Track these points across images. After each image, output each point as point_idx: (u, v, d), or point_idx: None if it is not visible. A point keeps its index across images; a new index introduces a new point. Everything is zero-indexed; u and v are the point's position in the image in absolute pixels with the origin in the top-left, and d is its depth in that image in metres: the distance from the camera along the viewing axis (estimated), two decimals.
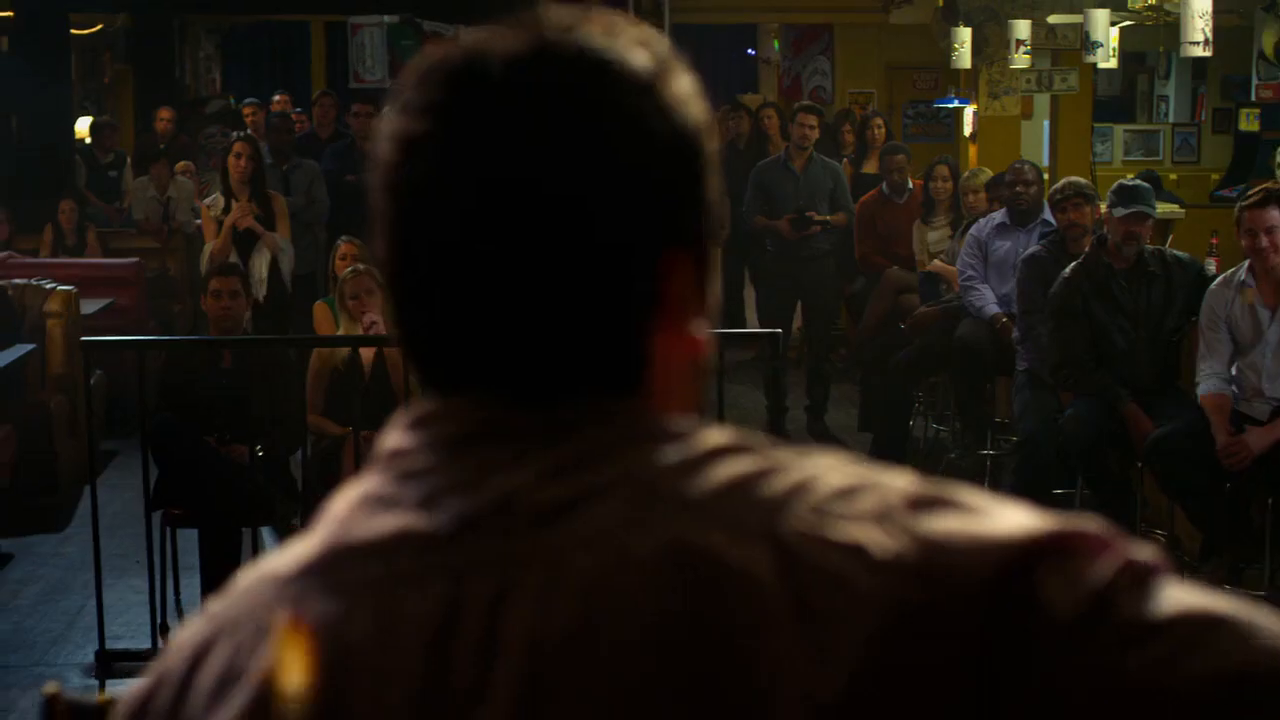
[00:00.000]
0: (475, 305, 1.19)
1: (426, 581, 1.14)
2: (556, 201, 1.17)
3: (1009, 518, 1.12)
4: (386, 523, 1.17)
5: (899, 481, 1.16)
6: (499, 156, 1.17)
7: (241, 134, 12.65)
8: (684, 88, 1.23)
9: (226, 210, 10.99)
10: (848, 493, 1.13)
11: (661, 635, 1.08)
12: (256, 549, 7.79)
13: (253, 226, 10.94)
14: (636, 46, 1.23)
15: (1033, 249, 9.38)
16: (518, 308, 1.18)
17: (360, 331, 8.32)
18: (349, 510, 1.20)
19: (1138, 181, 8.84)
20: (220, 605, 1.23)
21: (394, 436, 1.23)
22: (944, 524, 1.12)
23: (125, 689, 1.29)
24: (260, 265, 11.01)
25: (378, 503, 1.19)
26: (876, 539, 1.10)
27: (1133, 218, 8.28)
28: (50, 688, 1.45)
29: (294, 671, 1.13)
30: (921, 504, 1.13)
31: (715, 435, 1.19)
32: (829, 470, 1.16)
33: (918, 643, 1.07)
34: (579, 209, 1.17)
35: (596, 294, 1.19)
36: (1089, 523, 1.12)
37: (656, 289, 1.21)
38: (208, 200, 11.68)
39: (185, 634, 1.24)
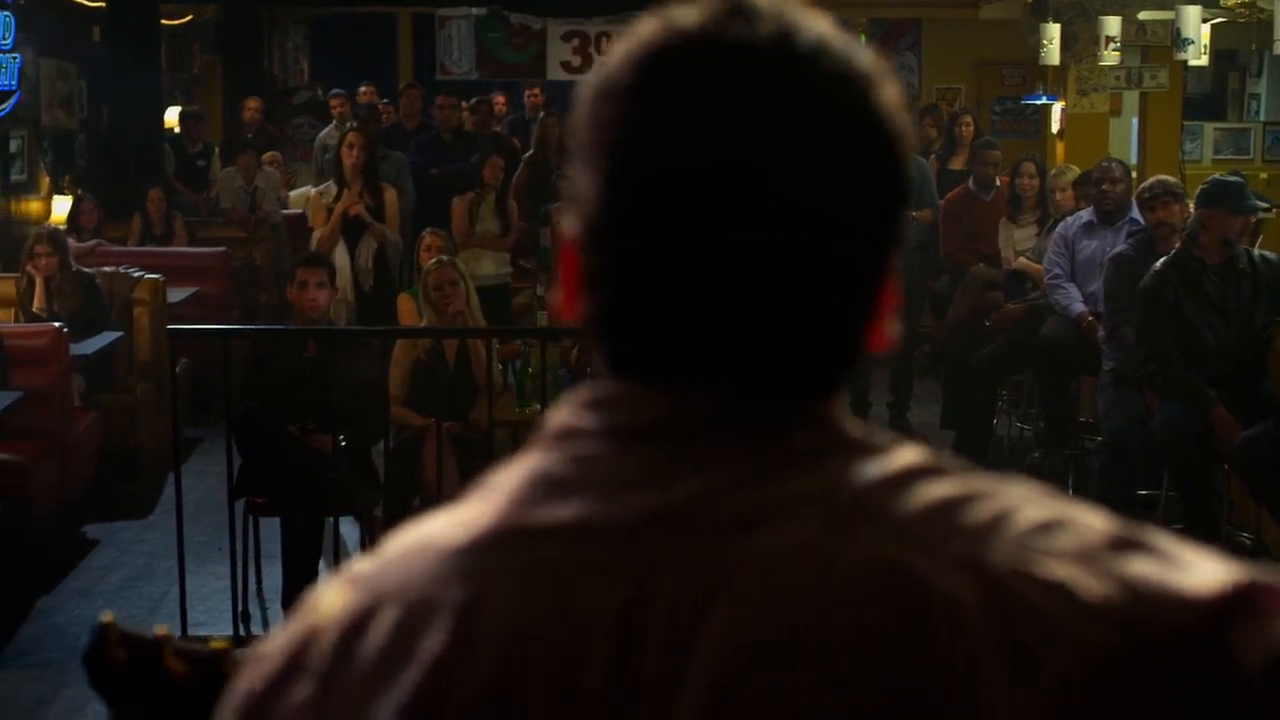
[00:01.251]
0: (705, 296, 1.16)
1: (612, 573, 1.12)
2: (808, 200, 1.15)
3: (1205, 568, 1.12)
4: (567, 508, 1.15)
5: (1095, 520, 1.15)
6: (748, 148, 1.14)
7: (354, 124, 12.71)
8: (896, 95, 1.22)
9: (338, 199, 11.05)
10: (1047, 527, 1.13)
11: (869, 654, 1.07)
12: (337, 539, 7.83)
13: (362, 215, 10.99)
14: (866, 54, 1.21)
15: (1120, 248, 9.29)
16: (753, 303, 1.16)
17: (444, 323, 8.34)
18: (521, 488, 1.18)
19: (1232, 178, 8.75)
20: (375, 571, 1.20)
21: (567, 415, 1.21)
22: (1144, 569, 1.11)
23: (257, 642, 1.28)
24: (366, 255, 11.06)
25: (554, 485, 1.17)
26: (1082, 580, 1.10)
27: (1226, 214, 8.20)
28: (106, 616, 1.44)
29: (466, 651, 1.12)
30: (1120, 546, 1.13)
31: (911, 453, 1.17)
32: (1025, 502, 1.15)
33: (1121, 688, 1.07)
34: (831, 209, 1.16)
35: (835, 296, 1.18)
36: (1276, 576, 1.13)
37: (879, 293, 1.21)
38: (320, 188, 11.74)
39: (330, 597, 1.21)
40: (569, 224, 1.24)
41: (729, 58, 1.16)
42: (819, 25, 1.19)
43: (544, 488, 1.17)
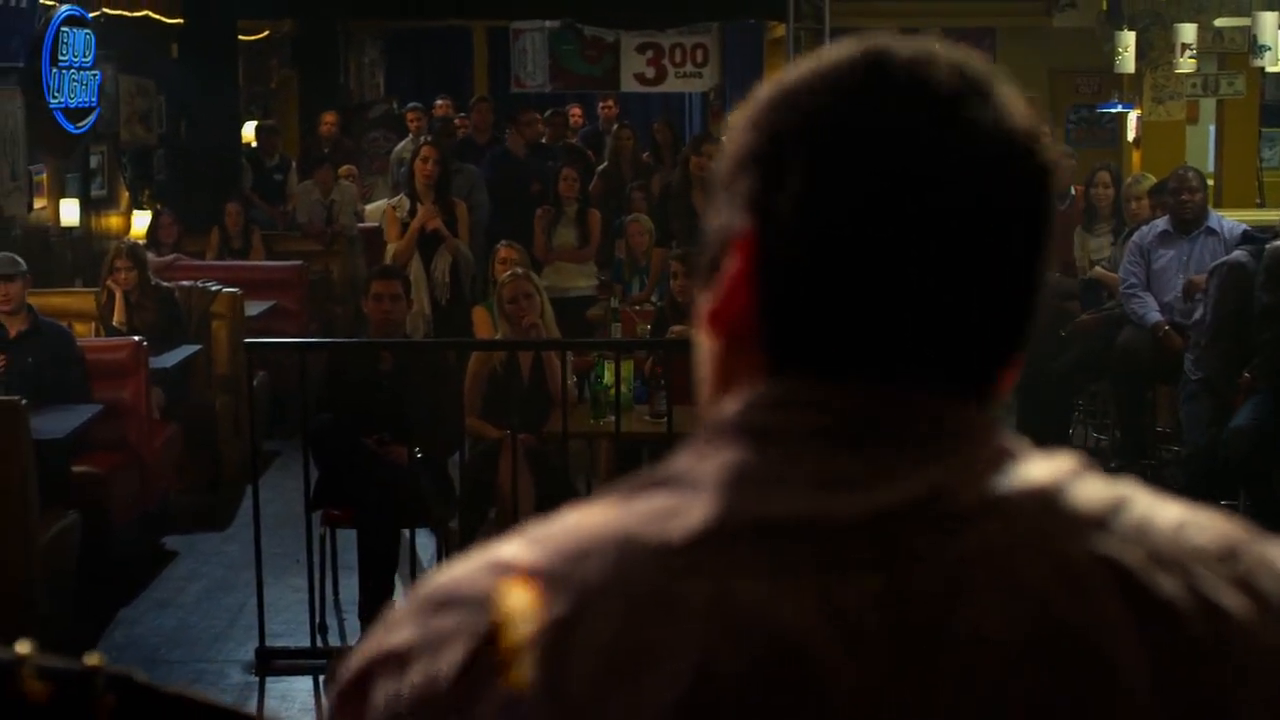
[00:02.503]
0: (891, 293, 1.21)
1: (855, 570, 1.14)
2: (1006, 220, 1.23)
3: None
4: (790, 503, 1.16)
5: (1212, 519, 1.24)
6: (936, 163, 1.21)
7: (428, 138, 12.79)
8: (1055, 147, 1.31)
9: (412, 213, 11.10)
10: (1188, 527, 1.21)
11: (1120, 648, 1.13)
12: (414, 550, 7.88)
13: (440, 229, 11.05)
14: (1027, 101, 1.29)
15: (1237, 255, 9.13)
16: (937, 310, 1.21)
17: (519, 335, 8.37)
18: (729, 483, 1.18)
19: None
20: (562, 565, 1.17)
21: (748, 412, 1.23)
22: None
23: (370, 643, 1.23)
24: (442, 268, 11.12)
25: (759, 479, 1.18)
26: (1244, 579, 1.19)
27: None
28: (93, 659, 1.31)
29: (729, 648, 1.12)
30: (1256, 543, 1.22)
31: (1063, 456, 1.24)
32: (1155, 502, 1.23)
33: None
34: (1017, 231, 1.24)
35: (1012, 303, 1.25)
36: None
37: (1033, 310, 1.27)
38: (393, 201, 11.81)
39: (501, 588, 1.17)
40: (738, 222, 1.26)
41: (927, 80, 1.23)
42: (995, 71, 1.28)
43: (753, 483, 1.18)
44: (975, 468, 1.19)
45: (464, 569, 1.21)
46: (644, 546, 1.16)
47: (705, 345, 1.30)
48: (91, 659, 1.20)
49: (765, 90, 1.28)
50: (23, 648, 1.20)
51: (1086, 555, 1.16)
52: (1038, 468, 1.22)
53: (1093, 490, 1.21)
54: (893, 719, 1.11)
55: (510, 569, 1.18)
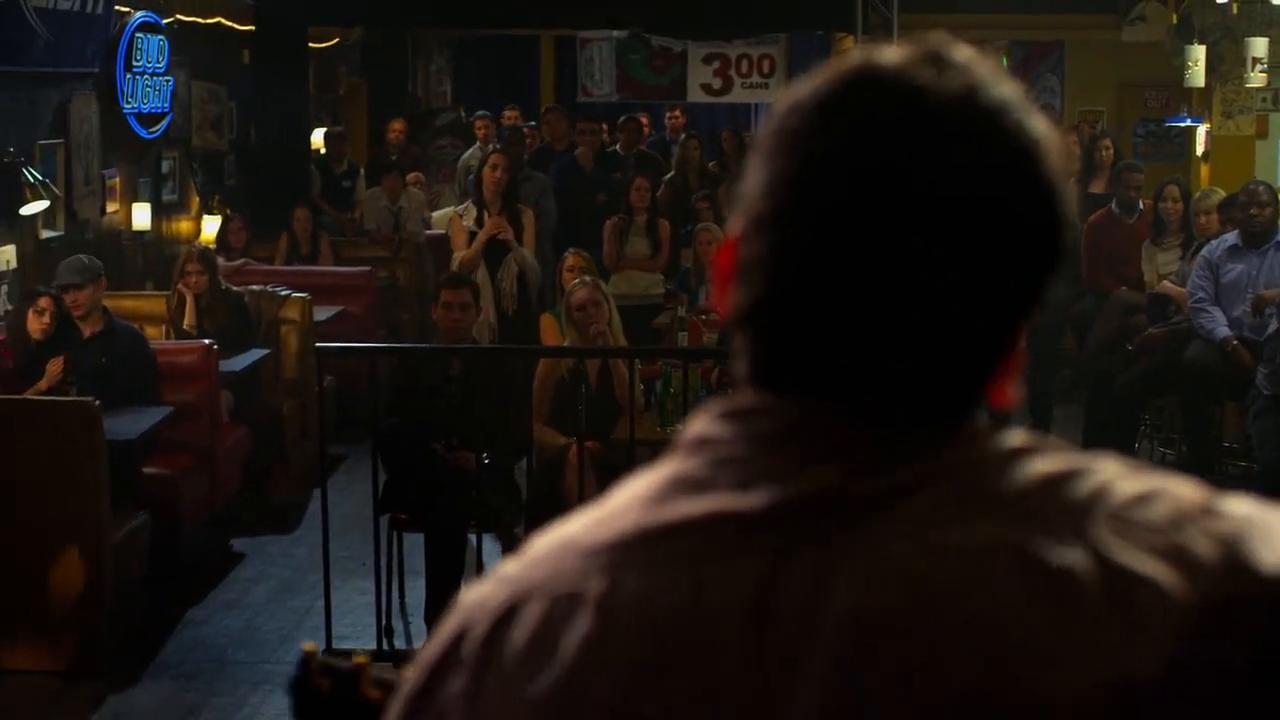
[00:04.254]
0: (855, 314, 1.22)
1: (741, 559, 1.19)
2: (968, 241, 1.22)
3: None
4: (699, 504, 1.22)
5: (1185, 489, 1.22)
6: (921, 179, 1.21)
7: (498, 146, 12.83)
8: (1063, 163, 1.29)
9: (479, 221, 11.15)
10: (1145, 499, 1.20)
11: (984, 626, 1.14)
12: (480, 555, 7.92)
13: (508, 239, 11.09)
14: (1042, 118, 1.28)
15: None
16: (901, 327, 1.22)
17: (586, 343, 8.40)
18: (657, 490, 1.25)
19: None
20: (518, 569, 1.28)
21: (703, 425, 1.28)
22: (1234, 527, 1.19)
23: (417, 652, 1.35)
24: (509, 277, 11.16)
25: (689, 485, 1.24)
26: (1180, 544, 1.17)
27: None
28: (308, 646, 1.51)
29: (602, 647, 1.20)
30: (1211, 510, 1.21)
31: (1016, 435, 1.24)
32: (1121, 476, 1.22)
33: (1224, 633, 1.14)
34: (988, 255, 1.22)
35: (976, 336, 1.25)
36: None
37: (1012, 345, 1.27)
38: (460, 209, 11.85)
39: (481, 594, 1.29)
40: (732, 222, 1.31)
41: (918, 95, 1.23)
42: (1006, 85, 1.26)
43: (679, 488, 1.24)
44: (893, 464, 1.20)
45: (484, 579, 1.32)
46: (575, 551, 1.25)
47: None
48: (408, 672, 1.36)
49: (781, 98, 1.31)
50: (359, 658, 1.42)
51: (975, 538, 1.16)
52: (977, 456, 1.22)
53: (1035, 468, 1.21)
54: (752, 701, 1.16)
55: (500, 577, 1.30)
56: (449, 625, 1.30)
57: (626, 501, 1.27)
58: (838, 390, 1.24)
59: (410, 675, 1.32)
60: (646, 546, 1.22)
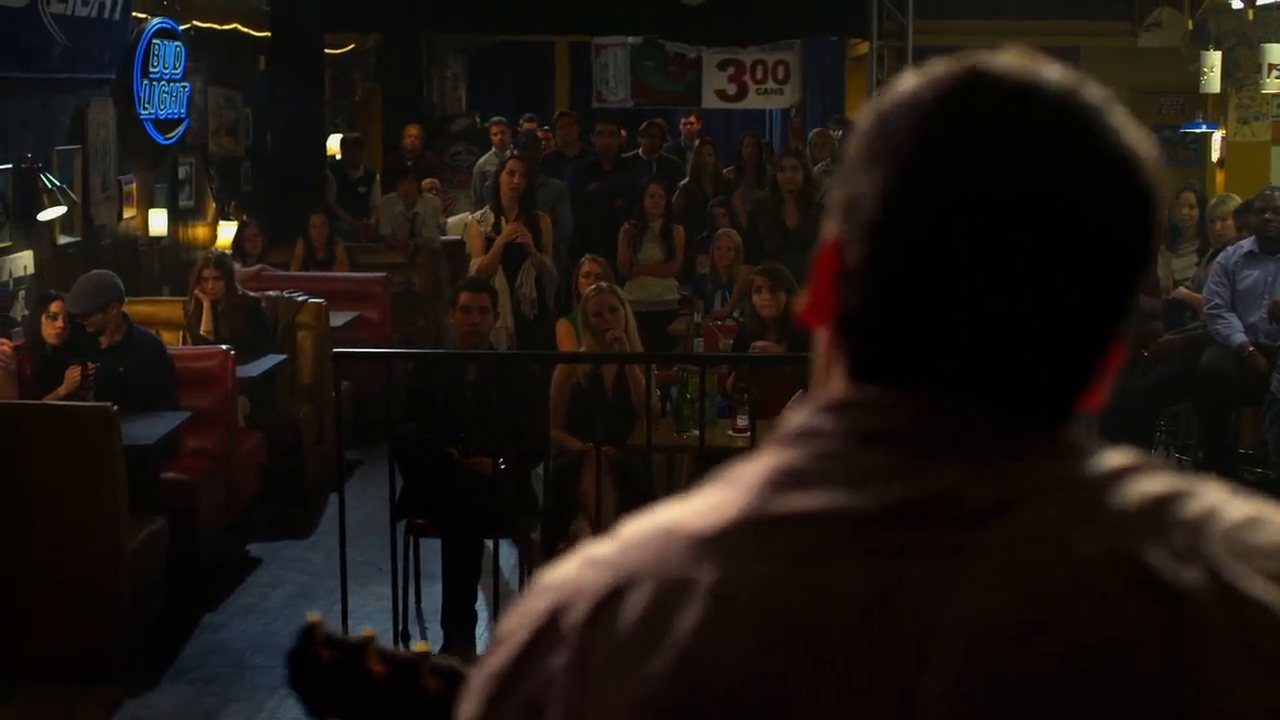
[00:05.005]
0: (970, 312, 1.24)
1: (859, 559, 1.20)
2: (1080, 240, 1.24)
3: None
4: (813, 498, 1.23)
5: None
6: (1034, 180, 1.23)
7: (515, 152, 12.86)
8: (1158, 159, 1.31)
9: (496, 227, 11.15)
10: (1251, 524, 1.22)
11: (1104, 642, 1.16)
12: (496, 560, 7.92)
13: (527, 244, 11.10)
14: (1138, 125, 1.30)
15: None
16: (1015, 325, 1.24)
17: (603, 349, 8.40)
18: (764, 481, 1.26)
19: None
20: (618, 553, 1.28)
21: (807, 416, 1.29)
22: None
23: (501, 620, 1.35)
24: (528, 282, 11.17)
25: (796, 477, 1.25)
26: None
27: None
28: (313, 616, 1.49)
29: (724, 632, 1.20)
30: None
31: (1121, 454, 1.26)
32: (1225, 500, 1.24)
33: None
34: (1100, 253, 1.25)
35: (1089, 334, 1.27)
36: None
37: (1115, 343, 1.29)
38: (477, 215, 11.87)
39: (572, 576, 1.29)
40: (831, 226, 1.31)
41: (1026, 103, 1.25)
42: (1101, 93, 1.29)
43: (787, 481, 1.25)
44: (1008, 471, 1.22)
45: (568, 561, 1.32)
46: (680, 538, 1.25)
47: (818, 340, 1.36)
48: (420, 646, 1.38)
49: (877, 101, 1.32)
50: (366, 631, 1.41)
51: (1094, 547, 1.18)
52: (1088, 469, 1.24)
53: (1144, 487, 1.23)
54: (873, 700, 1.17)
55: (592, 559, 1.29)
56: (535, 605, 1.30)
57: (729, 491, 1.27)
58: (946, 390, 1.25)
59: (495, 656, 1.31)
60: (759, 538, 1.23)
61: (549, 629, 1.27)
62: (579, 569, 1.29)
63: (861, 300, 1.28)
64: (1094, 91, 1.28)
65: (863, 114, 1.33)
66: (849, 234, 1.29)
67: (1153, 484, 1.23)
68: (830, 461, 1.25)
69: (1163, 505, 1.22)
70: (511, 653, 1.29)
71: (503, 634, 1.32)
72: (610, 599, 1.25)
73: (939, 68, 1.29)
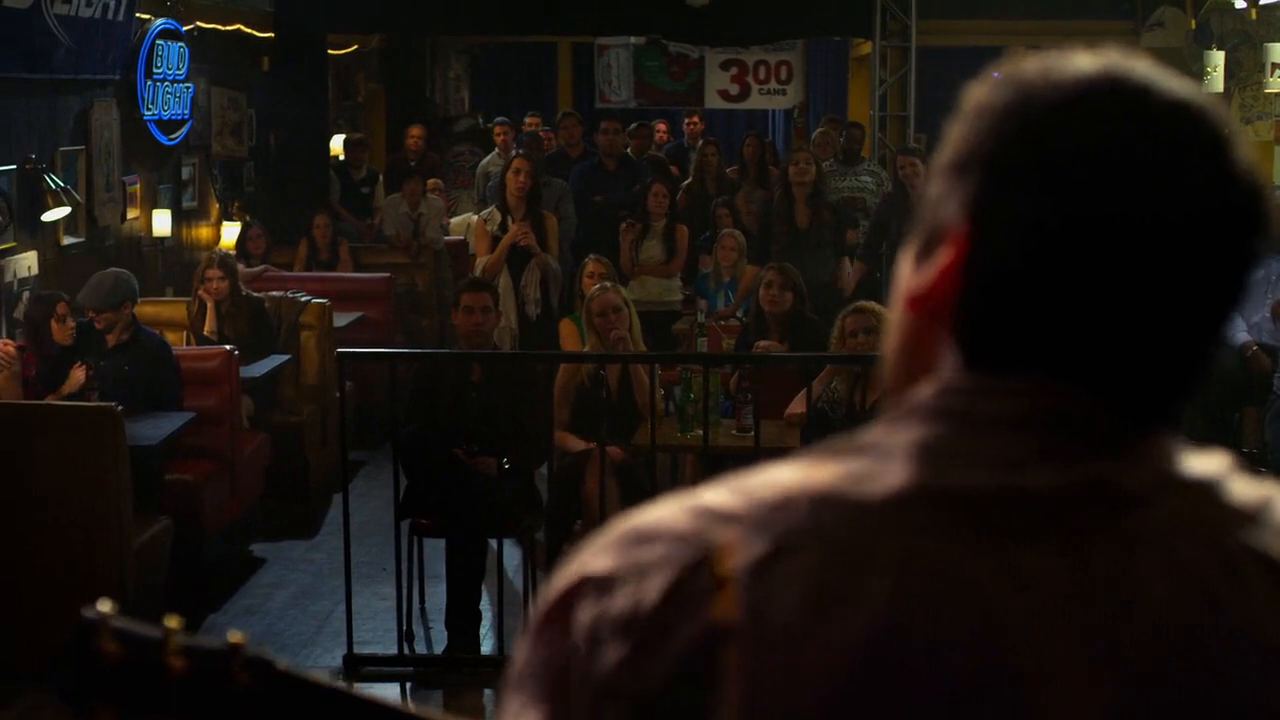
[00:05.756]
0: (1095, 308, 1.27)
1: (1039, 538, 1.23)
2: (1200, 245, 1.27)
3: None
4: (977, 476, 1.25)
5: None
6: (1164, 188, 1.26)
7: (519, 151, 12.87)
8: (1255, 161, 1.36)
9: (503, 226, 11.16)
10: None
11: (1271, 629, 1.23)
12: (501, 560, 7.92)
13: (532, 245, 11.10)
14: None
15: None
16: (1140, 325, 1.27)
17: (606, 349, 8.41)
18: (915, 454, 1.27)
19: None
20: (755, 512, 1.26)
21: (937, 395, 1.31)
22: None
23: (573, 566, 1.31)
24: (532, 282, 11.17)
25: (949, 455, 1.27)
26: None
27: None
28: (104, 604, 1.31)
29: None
30: None
31: (1216, 457, 1.32)
32: None
33: None
34: (1224, 258, 1.29)
35: (1206, 332, 1.31)
36: None
37: (1219, 345, 1.33)
38: (484, 214, 11.88)
39: (698, 526, 1.27)
40: (954, 217, 1.32)
41: (1169, 115, 1.29)
42: (1213, 97, 1.34)
43: (944, 457, 1.27)
44: (1144, 461, 1.27)
45: (663, 510, 1.30)
46: (842, 502, 1.25)
47: (899, 323, 1.38)
48: (234, 637, 1.25)
49: (994, 89, 1.33)
50: (171, 621, 1.25)
51: (1240, 545, 1.25)
52: (1199, 465, 1.30)
53: (1245, 487, 1.29)
54: (1067, 679, 1.20)
55: (713, 512, 1.27)
56: (646, 553, 1.27)
57: (874, 460, 1.28)
58: (1073, 380, 1.28)
59: (625, 597, 1.26)
60: (936, 511, 1.24)
61: (696, 580, 1.24)
62: (699, 520, 1.27)
63: (992, 294, 1.30)
64: (1221, 111, 1.32)
65: (981, 102, 1.34)
66: (979, 229, 1.30)
67: (1251, 488, 1.30)
68: (975, 442, 1.27)
69: (1266, 507, 1.29)
70: (651, 601, 1.25)
71: (600, 576, 1.28)
72: (771, 558, 1.23)
73: (1078, 65, 1.31)
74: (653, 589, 1.25)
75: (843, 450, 1.30)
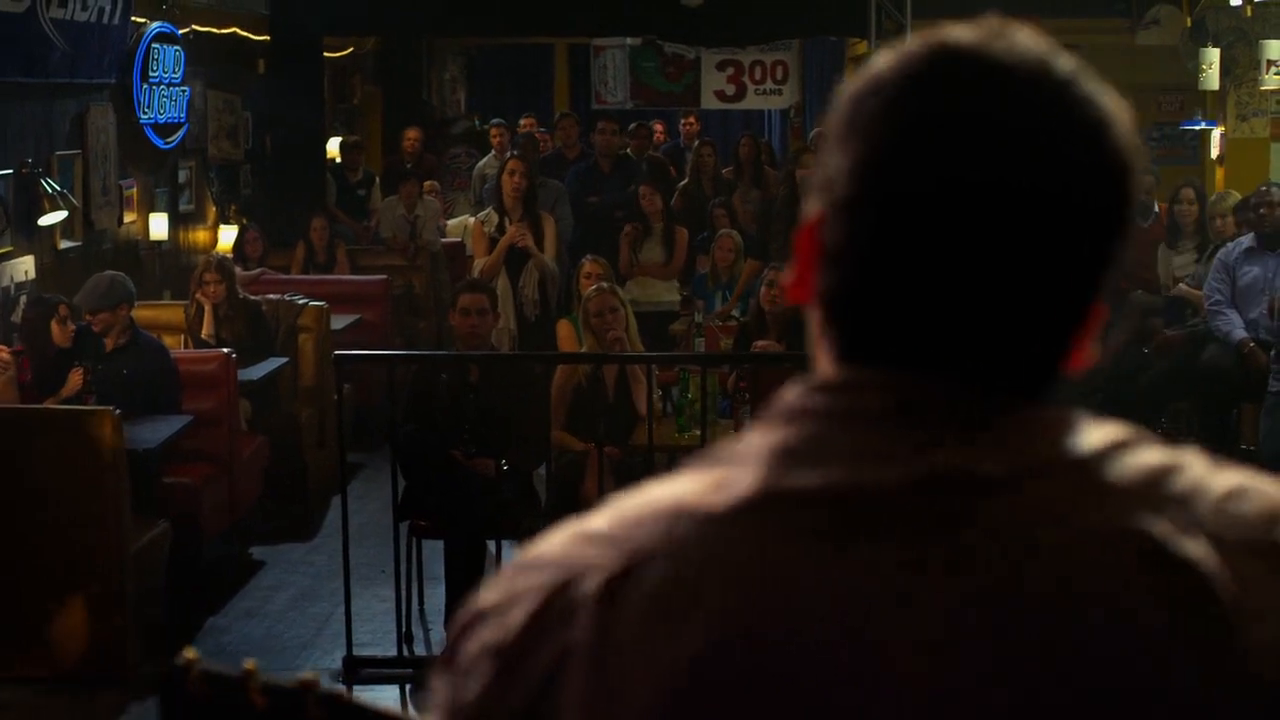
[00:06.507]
0: (945, 289, 1.25)
1: (880, 536, 1.21)
2: (1062, 212, 1.24)
3: None
4: (821, 475, 1.23)
5: (1269, 486, 1.26)
6: (1022, 161, 1.24)
7: (515, 152, 12.88)
8: (1137, 140, 1.31)
9: (500, 227, 11.16)
10: (1236, 495, 1.24)
11: (1120, 614, 1.18)
12: (500, 561, 7.93)
13: (529, 247, 11.11)
14: (1112, 92, 1.31)
15: None
16: (990, 300, 1.25)
17: (604, 349, 8.41)
18: (766, 458, 1.26)
19: None
20: (623, 531, 1.27)
21: (801, 395, 1.29)
22: None
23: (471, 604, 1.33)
24: (531, 284, 11.18)
25: (798, 455, 1.25)
26: (1275, 543, 1.22)
27: None
28: (189, 652, 1.45)
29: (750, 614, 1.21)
30: None
31: (1110, 427, 1.27)
32: (1210, 471, 1.26)
33: None
34: (1077, 223, 1.25)
35: (1065, 302, 1.27)
36: None
37: (1093, 308, 1.30)
38: (481, 216, 11.88)
39: (572, 551, 1.28)
40: (811, 206, 1.32)
41: (994, 70, 1.26)
42: (1072, 59, 1.29)
43: (790, 458, 1.25)
44: (1008, 444, 1.23)
45: (551, 538, 1.31)
46: (691, 514, 1.25)
47: (809, 318, 1.37)
48: (307, 676, 1.34)
49: (851, 80, 1.32)
50: (249, 665, 1.37)
51: (1107, 522, 1.20)
52: (1084, 442, 1.25)
53: (1139, 460, 1.24)
54: (894, 673, 1.18)
55: (588, 535, 1.28)
56: (530, 580, 1.29)
57: (729, 469, 1.27)
58: (931, 368, 1.26)
59: (492, 631, 1.29)
60: (772, 515, 1.23)
61: (557, 604, 1.25)
62: (574, 545, 1.28)
63: (841, 281, 1.29)
64: (1064, 62, 1.28)
65: (838, 93, 1.33)
66: (826, 214, 1.30)
67: (1145, 457, 1.24)
68: (829, 441, 1.25)
69: (1157, 479, 1.23)
70: (515, 628, 1.27)
71: (487, 608, 1.30)
72: (625, 575, 1.24)
73: (909, 45, 1.30)
74: (519, 615, 1.27)
75: (714, 459, 1.30)
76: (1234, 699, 1.16)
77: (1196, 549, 1.19)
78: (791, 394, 1.30)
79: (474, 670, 1.28)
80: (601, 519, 1.29)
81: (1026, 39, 1.28)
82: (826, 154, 1.31)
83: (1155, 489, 1.23)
